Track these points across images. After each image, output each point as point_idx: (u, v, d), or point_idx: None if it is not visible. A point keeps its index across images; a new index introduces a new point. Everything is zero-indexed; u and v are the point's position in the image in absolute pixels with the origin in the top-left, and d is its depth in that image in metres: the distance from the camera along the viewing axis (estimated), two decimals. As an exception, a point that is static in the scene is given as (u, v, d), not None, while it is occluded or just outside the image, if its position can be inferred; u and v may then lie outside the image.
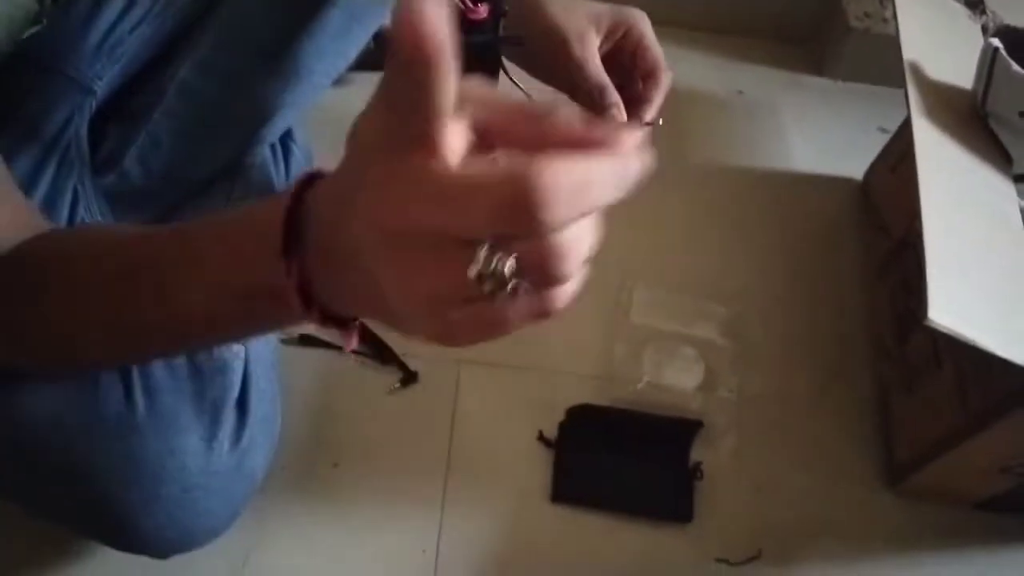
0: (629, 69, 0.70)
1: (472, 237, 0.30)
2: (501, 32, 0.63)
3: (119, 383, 0.63)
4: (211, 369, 0.67)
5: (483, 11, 0.62)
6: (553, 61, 0.67)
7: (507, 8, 0.63)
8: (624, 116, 0.67)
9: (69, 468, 0.61)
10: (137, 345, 0.51)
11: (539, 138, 0.30)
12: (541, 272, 0.31)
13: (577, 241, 0.32)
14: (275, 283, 0.39)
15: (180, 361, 0.65)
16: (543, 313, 0.34)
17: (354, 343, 0.42)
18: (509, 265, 0.29)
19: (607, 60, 0.68)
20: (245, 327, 0.47)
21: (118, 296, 0.47)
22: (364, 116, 0.34)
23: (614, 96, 0.66)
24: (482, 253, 0.29)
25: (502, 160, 0.30)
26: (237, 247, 0.42)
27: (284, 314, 0.41)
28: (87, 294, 0.48)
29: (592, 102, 0.66)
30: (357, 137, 0.34)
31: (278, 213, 0.38)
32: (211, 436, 0.66)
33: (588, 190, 0.30)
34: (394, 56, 0.29)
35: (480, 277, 0.29)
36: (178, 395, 0.64)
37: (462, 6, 0.61)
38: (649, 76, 0.70)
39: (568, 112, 0.31)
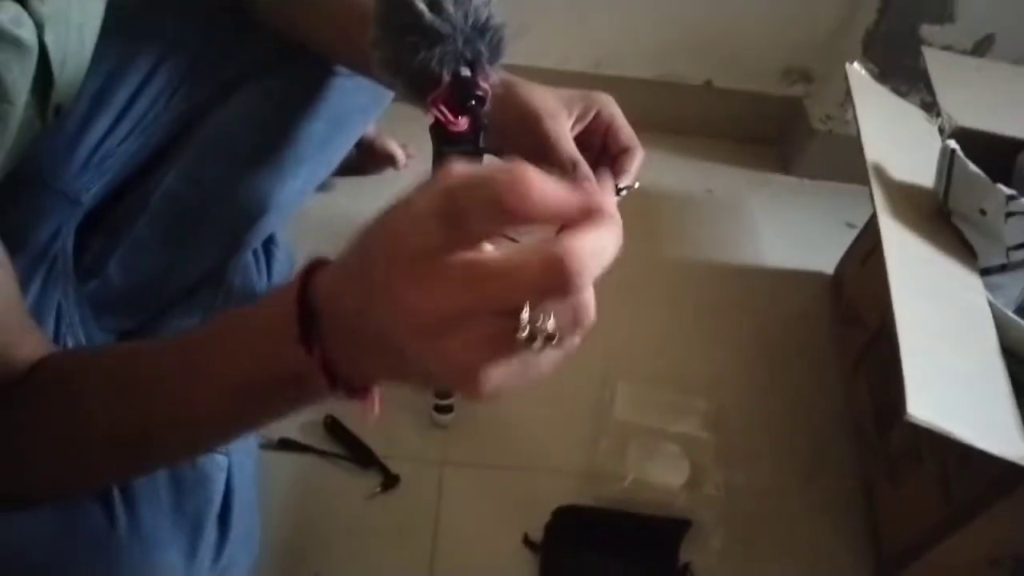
0: (600, 150, 0.73)
1: (515, 309, 0.35)
2: (482, 144, 0.66)
3: (99, 495, 0.61)
4: (192, 481, 0.65)
5: (463, 123, 0.64)
6: (528, 140, 0.69)
7: (487, 122, 0.65)
8: (594, 188, 0.69)
9: None
10: (143, 455, 0.50)
11: (544, 211, 0.35)
12: (575, 323, 0.38)
13: (592, 295, 0.39)
14: (299, 370, 0.42)
15: (160, 474, 0.64)
16: (570, 355, 0.40)
17: (377, 408, 0.45)
18: (552, 324, 0.36)
19: (578, 141, 0.71)
20: (267, 416, 0.47)
21: (126, 409, 0.47)
22: (398, 224, 0.38)
23: (586, 169, 0.69)
24: (526, 317, 0.35)
25: (523, 240, 0.36)
26: (253, 345, 0.44)
27: (309, 395, 0.44)
28: (91, 410, 0.47)
29: (565, 176, 0.68)
30: (388, 237, 0.38)
31: (289, 305, 0.41)
32: (192, 552, 0.64)
33: (603, 253, 0.36)
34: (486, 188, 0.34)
35: (531, 336, 0.35)
36: (158, 508, 0.62)
37: (442, 118, 0.63)
38: (624, 152, 0.73)
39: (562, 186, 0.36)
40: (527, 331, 0.35)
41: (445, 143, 0.64)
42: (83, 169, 0.77)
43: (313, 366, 0.41)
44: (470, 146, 0.65)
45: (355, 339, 0.41)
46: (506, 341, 0.36)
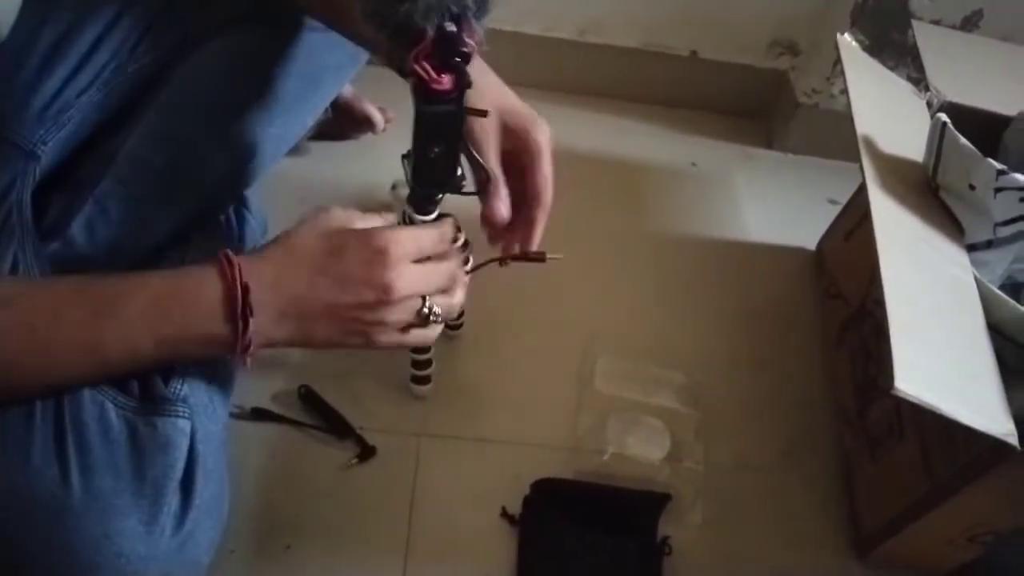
0: (522, 174, 0.75)
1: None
2: (465, 103, 0.63)
3: (54, 462, 0.58)
4: (153, 446, 0.62)
5: (447, 82, 0.61)
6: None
7: (471, 80, 0.62)
8: (504, 208, 0.74)
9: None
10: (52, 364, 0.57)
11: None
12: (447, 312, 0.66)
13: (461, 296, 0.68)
14: (219, 339, 0.58)
15: (119, 438, 0.62)
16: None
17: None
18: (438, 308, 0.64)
19: (506, 156, 0.72)
20: (168, 361, 0.62)
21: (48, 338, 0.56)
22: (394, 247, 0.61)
23: (501, 189, 0.73)
24: (429, 302, 0.63)
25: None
26: (185, 314, 0.57)
27: (211, 353, 0.60)
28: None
29: (480, 183, 0.72)
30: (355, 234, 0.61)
31: (223, 289, 0.57)
32: (151, 519, 0.61)
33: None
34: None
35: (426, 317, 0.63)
36: (116, 474, 0.60)
37: (426, 76, 0.60)
38: (535, 198, 0.76)
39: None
40: (428, 308, 0.62)
41: (426, 102, 0.62)
42: (39, 119, 0.74)
43: (236, 337, 0.57)
44: (452, 105, 0.62)
45: (284, 316, 0.59)
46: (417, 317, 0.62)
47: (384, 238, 0.60)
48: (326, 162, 1.17)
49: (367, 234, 0.60)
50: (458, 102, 0.63)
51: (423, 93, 0.62)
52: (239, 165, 0.81)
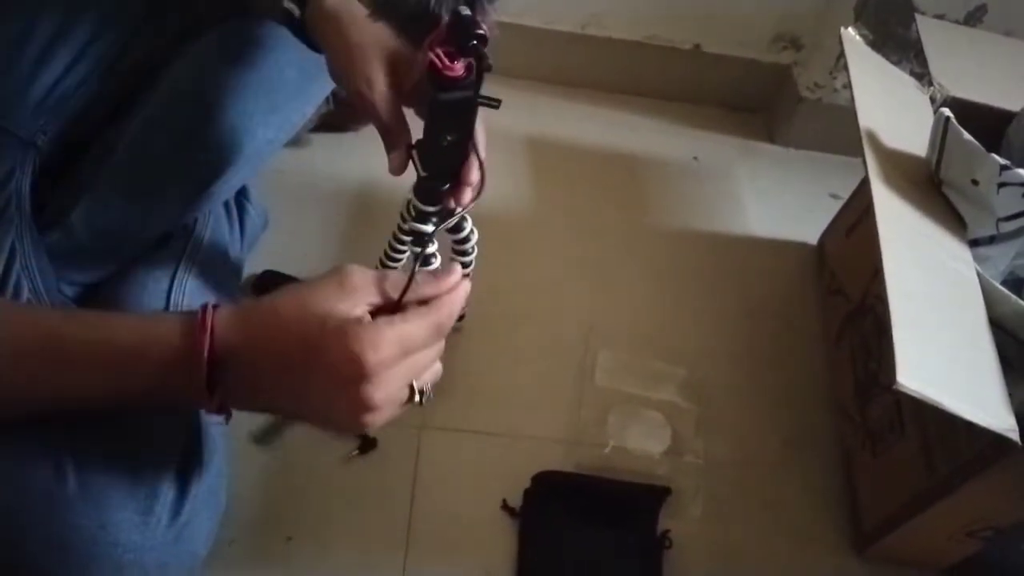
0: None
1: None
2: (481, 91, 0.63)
3: (49, 455, 0.58)
4: (148, 440, 0.62)
5: (460, 68, 0.61)
6: (349, 86, 0.70)
7: (491, 64, 0.62)
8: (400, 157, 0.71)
9: None
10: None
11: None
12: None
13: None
14: (193, 401, 0.52)
15: (115, 433, 0.61)
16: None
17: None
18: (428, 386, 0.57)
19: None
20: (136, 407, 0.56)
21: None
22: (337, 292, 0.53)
23: (396, 139, 0.71)
24: (416, 384, 0.55)
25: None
26: (160, 373, 0.51)
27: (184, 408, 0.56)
28: None
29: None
30: (328, 305, 0.52)
31: (198, 353, 0.50)
32: (147, 509, 0.61)
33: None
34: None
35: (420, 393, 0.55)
36: (111, 467, 0.60)
37: (439, 63, 0.60)
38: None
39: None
40: (417, 394, 0.54)
41: (441, 89, 0.61)
42: (38, 110, 0.74)
43: (209, 402, 0.52)
44: (468, 91, 0.62)
45: (260, 385, 0.53)
46: (403, 397, 0.54)
47: (361, 342, 0.50)
48: (327, 154, 1.17)
49: (344, 338, 0.50)
50: (475, 87, 0.63)
51: (438, 81, 0.62)
52: (239, 154, 0.81)
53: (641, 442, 0.93)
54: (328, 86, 0.93)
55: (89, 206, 0.78)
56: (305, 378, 0.51)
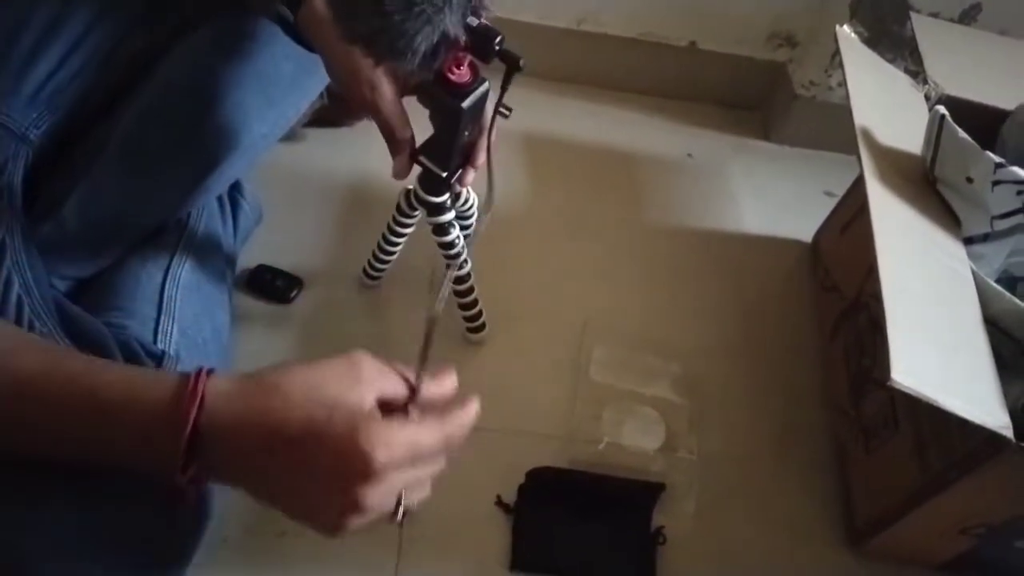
0: None
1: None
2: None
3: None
4: None
5: (467, 72, 0.62)
6: (351, 90, 0.71)
7: (519, 57, 0.63)
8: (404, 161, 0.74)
9: None
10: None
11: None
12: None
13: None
14: (168, 474, 0.48)
15: None
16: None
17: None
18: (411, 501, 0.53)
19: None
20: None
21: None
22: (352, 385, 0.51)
23: (402, 144, 0.74)
24: (404, 501, 0.51)
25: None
26: (136, 443, 0.48)
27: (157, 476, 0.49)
28: None
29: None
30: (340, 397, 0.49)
31: (180, 426, 0.47)
32: None
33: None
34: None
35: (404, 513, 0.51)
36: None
37: (456, 79, 0.61)
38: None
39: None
40: (401, 508, 0.50)
41: (458, 97, 0.63)
42: (31, 103, 0.73)
43: (181, 475, 0.48)
44: (483, 85, 0.65)
45: (245, 464, 0.49)
46: (390, 506, 0.50)
47: (373, 439, 0.47)
48: (321, 149, 1.16)
49: (356, 426, 0.48)
50: (503, 87, 0.65)
51: (454, 91, 0.63)
52: (234, 148, 0.80)
53: (635, 438, 0.93)
54: (323, 81, 0.92)
55: (82, 199, 0.77)
56: (300, 465, 0.48)
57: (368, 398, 0.50)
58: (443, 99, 0.65)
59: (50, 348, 0.56)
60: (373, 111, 0.71)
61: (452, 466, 0.87)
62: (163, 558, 0.59)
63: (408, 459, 0.49)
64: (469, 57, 0.63)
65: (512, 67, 0.63)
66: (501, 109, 0.67)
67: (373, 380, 0.51)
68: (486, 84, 0.65)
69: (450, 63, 0.64)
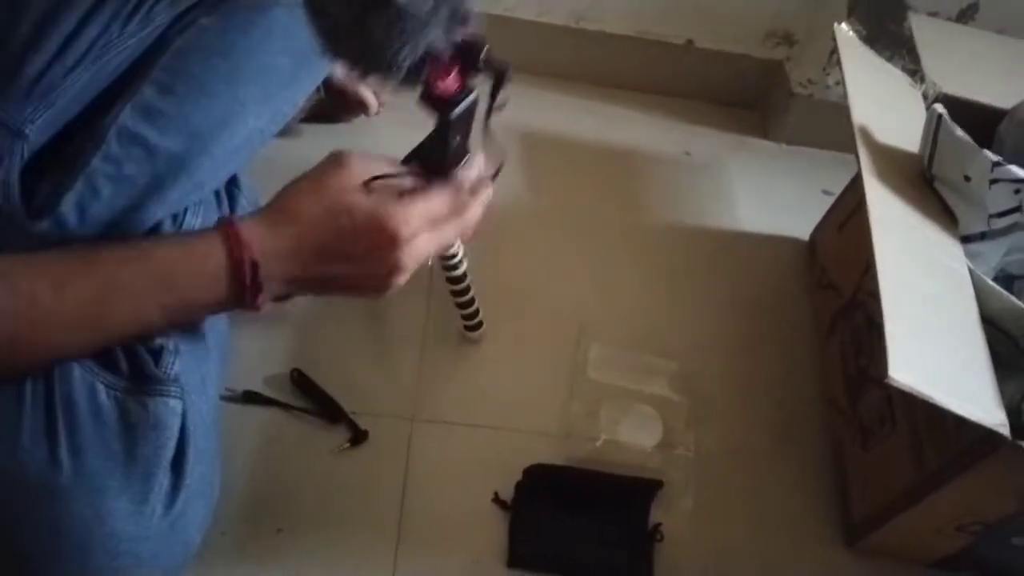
0: None
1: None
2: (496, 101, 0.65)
3: (44, 444, 0.58)
4: (144, 426, 0.62)
5: (455, 81, 0.62)
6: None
7: (508, 64, 0.63)
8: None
9: None
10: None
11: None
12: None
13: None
14: (230, 304, 0.60)
15: (110, 418, 0.61)
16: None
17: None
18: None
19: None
20: (180, 324, 0.63)
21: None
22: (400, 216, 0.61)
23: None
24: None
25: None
26: (193, 285, 0.59)
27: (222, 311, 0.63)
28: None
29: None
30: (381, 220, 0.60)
31: (229, 261, 0.59)
32: (142, 499, 0.61)
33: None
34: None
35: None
36: (107, 454, 0.60)
37: (446, 92, 0.61)
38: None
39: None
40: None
41: (451, 108, 0.63)
42: (26, 98, 0.73)
43: (244, 302, 0.59)
44: (471, 93, 0.64)
45: (292, 283, 0.62)
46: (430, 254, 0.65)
47: (396, 222, 0.60)
48: (318, 144, 1.14)
49: (377, 218, 0.60)
50: (492, 97, 0.65)
51: (448, 103, 0.63)
52: (230, 142, 0.80)
53: (633, 435, 0.94)
54: (320, 75, 0.92)
55: (80, 195, 0.77)
56: (343, 263, 0.60)
57: (363, 188, 0.61)
58: (430, 110, 0.65)
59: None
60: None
61: (449, 463, 0.88)
62: None
63: (426, 223, 0.62)
64: (456, 67, 0.63)
65: (499, 79, 0.63)
66: (493, 114, 0.67)
67: (365, 171, 0.62)
68: (474, 93, 0.65)
69: (437, 74, 0.63)
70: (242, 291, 0.60)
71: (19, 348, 0.57)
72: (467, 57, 0.62)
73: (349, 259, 0.61)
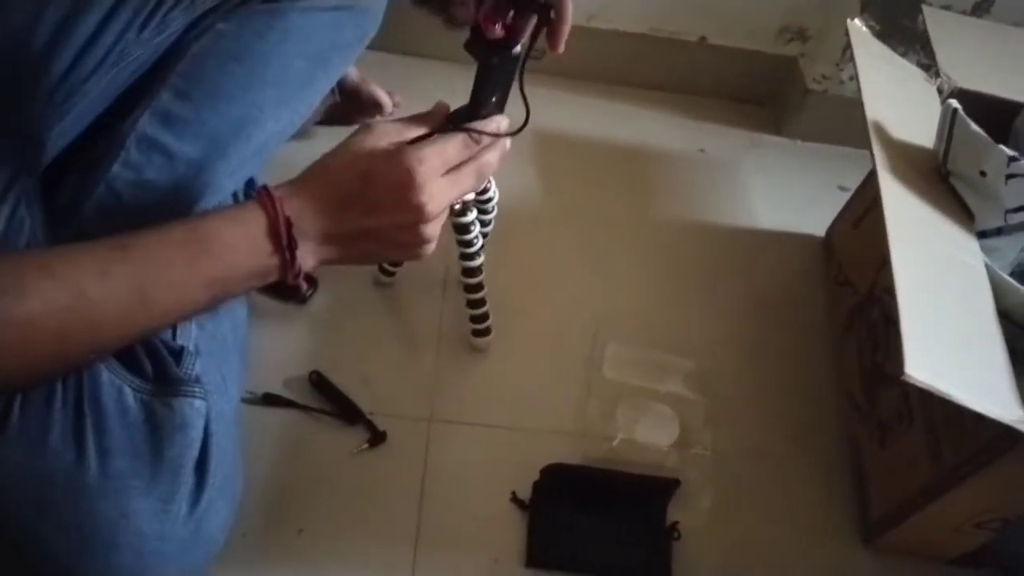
0: None
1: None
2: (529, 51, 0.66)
3: (72, 445, 0.59)
4: (170, 427, 0.63)
5: (501, 29, 0.64)
6: None
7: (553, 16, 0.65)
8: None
9: (15, 535, 0.57)
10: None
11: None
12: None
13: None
14: (272, 275, 0.61)
15: (137, 419, 0.62)
16: None
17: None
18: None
19: None
20: (224, 300, 0.63)
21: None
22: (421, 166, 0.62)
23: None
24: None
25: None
26: (235, 254, 0.60)
27: (262, 284, 0.62)
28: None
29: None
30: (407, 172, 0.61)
31: (269, 231, 0.60)
32: (168, 499, 0.62)
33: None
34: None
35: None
36: (133, 455, 0.61)
37: (493, 34, 0.63)
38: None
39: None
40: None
41: (496, 54, 0.65)
42: (45, 105, 0.74)
43: (284, 266, 0.60)
44: (516, 44, 0.65)
45: (326, 241, 0.62)
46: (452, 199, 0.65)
47: (409, 160, 0.61)
48: (332, 147, 1.16)
49: (394, 158, 0.62)
50: (532, 40, 0.66)
51: (495, 49, 0.65)
52: (249, 146, 0.81)
53: (649, 434, 0.94)
54: (335, 77, 0.93)
55: (101, 199, 0.78)
56: (369, 215, 0.62)
57: (393, 141, 0.63)
58: (472, 50, 0.66)
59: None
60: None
61: (467, 463, 0.89)
62: None
63: (442, 164, 0.63)
64: (508, 18, 0.64)
65: (541, 19, 0.64)
66: (533, 53, 0.68)
67: (391, 130, 0.64)
68: (519, 47, 0.67)
69: (489, 17, 0.64)
70: (280, 254, 0.60)
71: (69, 342, 0.56)
72: (540, 6, 0.63)
73: (375, 208, 0.62)
